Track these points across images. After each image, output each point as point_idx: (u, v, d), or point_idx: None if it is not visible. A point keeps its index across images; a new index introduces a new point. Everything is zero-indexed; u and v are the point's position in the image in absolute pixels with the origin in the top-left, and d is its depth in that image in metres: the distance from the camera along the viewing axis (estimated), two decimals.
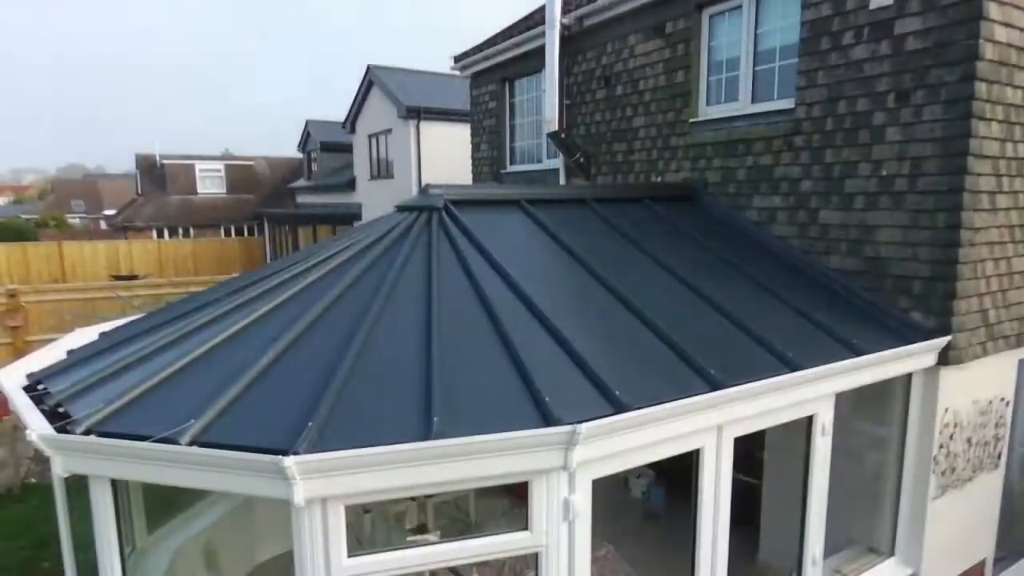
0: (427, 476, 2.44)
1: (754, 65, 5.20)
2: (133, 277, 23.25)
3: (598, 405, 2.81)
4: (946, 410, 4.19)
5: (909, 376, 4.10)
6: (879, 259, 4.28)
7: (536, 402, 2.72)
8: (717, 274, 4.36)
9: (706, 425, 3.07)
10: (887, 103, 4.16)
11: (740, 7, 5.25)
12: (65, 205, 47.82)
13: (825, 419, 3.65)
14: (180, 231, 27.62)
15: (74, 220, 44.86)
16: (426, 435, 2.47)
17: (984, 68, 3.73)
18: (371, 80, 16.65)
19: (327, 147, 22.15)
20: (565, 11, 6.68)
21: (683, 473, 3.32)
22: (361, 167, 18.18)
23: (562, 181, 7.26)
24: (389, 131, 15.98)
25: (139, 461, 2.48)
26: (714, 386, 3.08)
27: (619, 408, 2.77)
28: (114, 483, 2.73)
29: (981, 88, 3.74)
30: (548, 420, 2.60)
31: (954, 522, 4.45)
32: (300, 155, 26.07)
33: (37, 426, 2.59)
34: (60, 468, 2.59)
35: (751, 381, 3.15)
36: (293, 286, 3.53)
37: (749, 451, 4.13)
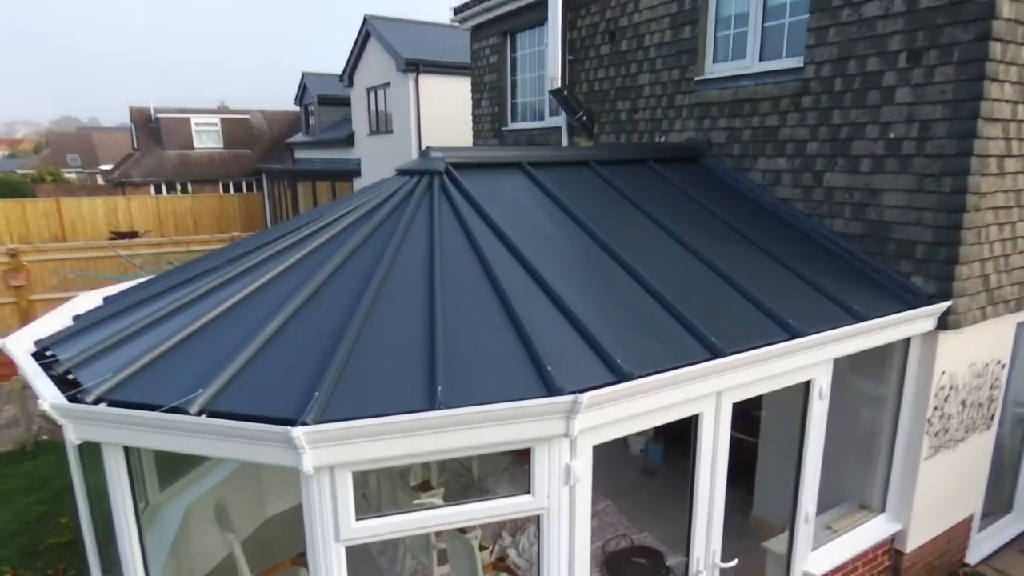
0: (432, 444, 2.50)
1: (763, 21, 5.05)
2: (133, 234, 23.19)
3: (599, 373, 2.85)
4: (942, 373, 4.25)
5: (907, 340, 4.14)
6: (883, 223, 4.26)
7: (538, 370, 2.75)
8: (719, 237, 4.35)
9: (706, 392, 3.12)
10: (898, 63, 4.06)
11: None
12: (60, 159, 47.24)
13: (823, 383, 3.71)
14: (178, 187, 27.39)
15: (70, 175, 44.39)
16: (430, 404, 2.52)
17: (1000, 27, 3.63)
18: (368, 31, 16.20)
19: (324, 101, 21.72)
20: None
21: (681, 430, 3.38)
22: (360, 122, 17.86)
23: (564, 140, 7.15)
24: (387, 85, 15.63)
25: (150, 430, 2.53)
26: (714, 353, 3.11)
27: (620, 376, 2.81)
28: (127, 447, 2.80)
29: (995, 48, 3.65)
30: (550, 389, 2.65)
31: (944, 481, 4.57)
32: (297, 108, 25.58)
33: (49, 395, 2.64)
34: (73, 436, 2.65)
35: (751, 348, 3.19)
36: (296, 252, 3.52)
37: (746, 410, 4.20)
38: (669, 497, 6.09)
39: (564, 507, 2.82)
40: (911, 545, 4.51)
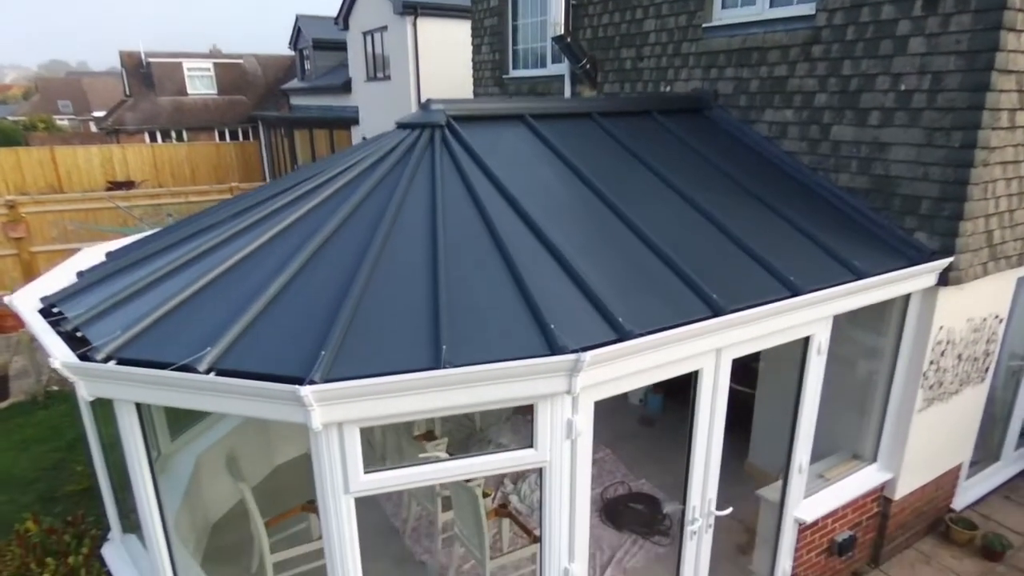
0: (437, 402, 2.55)
1: None
2: (130, 184, 22.97)
3: (601, 330, 2.88)
4: (940, 328, 4.29)
5: (907, 295, 4.16)
6: (889, 178, 4.22)
7: (541, 328, 2.79)
8: (722, 191, 4.31)
9: (706, 349, 3.17)
10: (914, 11, 3.93)
11: None
12: (52, 106, 46.31)
13: (822, 339, 3.75)
14: (173, 134, 26.95)
15: (62, 122, 43.63)
16: (435, 362, 2.56)
17: None
18: None
19: (320, 45, 21.11)
20: None
21: (680, 380, 3.41)
22: (356, 67, 17.40)
23: (567, 89, 6.99)
24: (384, 28, 15.16)
25: (161, 387, 2.58)
26: (715, 311, 3.14)
27: (622, 334, 2.85)
28: (138, 403, 2.87)
29: None
30: (553, 347, 2.68)
31: (936, 432, 4.69)
32: (292, 53, 24.88)
33: (60, 353, 2.68)
34: (85, 392, 2.71)
35: (752, 306, 3.21)
36: (298, 208, 3.51)
37: (744, 362, 4.26)
38: (667, 445, 6.25)
39: (566, 460, 2.91)
40: (900, 493, 4.66)
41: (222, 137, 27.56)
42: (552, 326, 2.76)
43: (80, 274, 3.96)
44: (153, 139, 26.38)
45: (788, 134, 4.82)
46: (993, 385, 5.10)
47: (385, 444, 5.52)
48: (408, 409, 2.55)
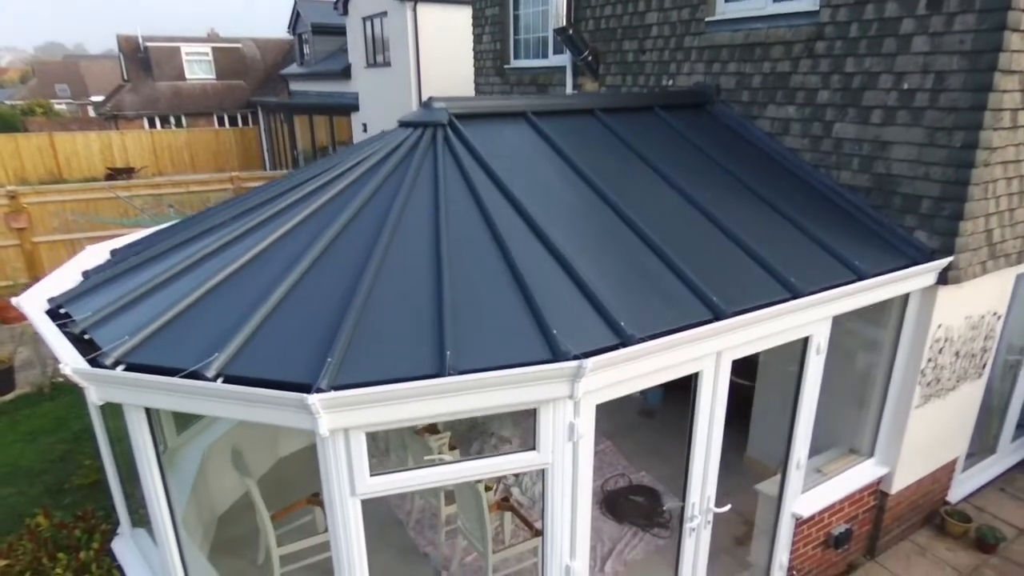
0: (442, 407, 2.60)
1: None
2: (130, 170, 22.93)
3: (603, 334, 2.92)
4: (939, 326, 4.33)
5: (906, 294, 4.19)
6: (890, 176, 4.23)
7: (543, 333, 2.82)
8: (724, 189, 4.33)
9: (706, 352, 3.21)
10: (918, 9, 3.92)
11: None
12: (49, 90, 46.00)
13: (821, 339, 3.79)
14: (171, 120, 26.84)
15: (60, 106, 43.36)
16: (440, 368, 2.60)
17: None
18: None
19: (319, 30, 20.92)
20: None
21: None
22: (356, 53, 17.27)
23: (568, 80, 6.96)
24: (384, 14, 15.02)
25: (170, 393, 2.62)
26: (716, 314, 3.17)
27: (623, 338, 2.88)
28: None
29: None
30: (555, 352, 2.72)
31: (933, 427, 4.74)
32: (290, 37, 24.67)
33: (70, 359, 2.72)
34: (95, 397, 2.75)
35: (752, 309, 3.24)
36: (302, 210, 3.52)
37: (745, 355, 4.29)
38: (667, 437, 6.32)
39: (567, 462, 2.96)
40: (896, 487, 4.73)
41: (221, 123, 27.44)
42: (555, 331, 2.80)
43: (86, 273, 4.00)
44: (152, 125, 26.26)
45: (790, 131, 4.81)
46: (990, 377, 5.15)
47: (388, 438, 5.59)
48: (413, 415, 2.60)
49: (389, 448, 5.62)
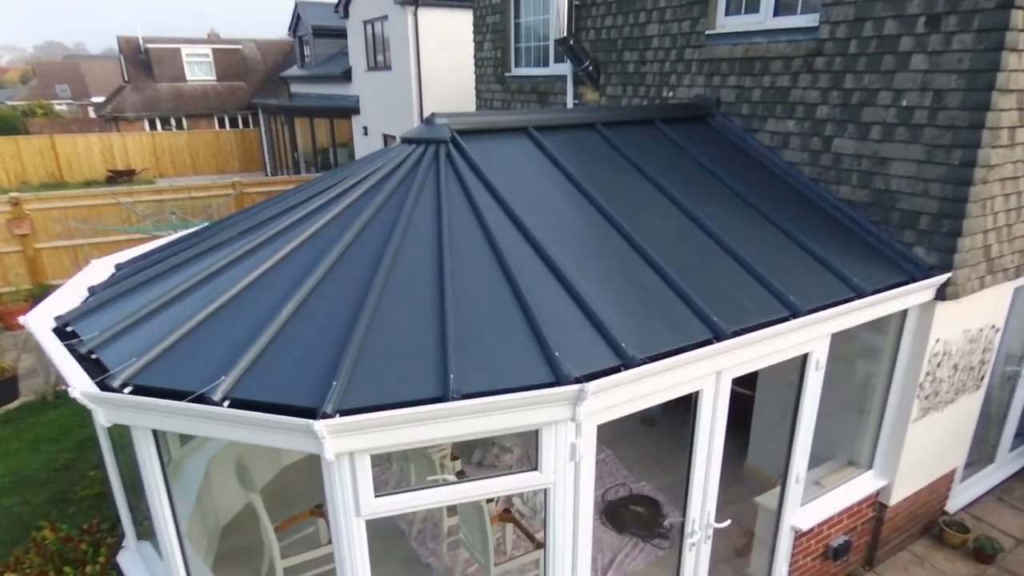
0: (446, 431, 2.64)
1: None
2: (131, 172, 22.96)
3: (604, 356, 2.95)
4: (937, 340, 4.36)
5: (904, 310, 4.22)
6: (889, 192, 4.26)
7: (546, 355, 2.85)
8: (724, 204, 4.36)
9: (707, 372, 3.25)
10: (916, 28, 3.95)
11: None
12: (49, 90, 45.99)
13: (820, 356, 3.83)
14: (172, 121, 26.87)
15: (61, 107, 43.38)
16: (443, 391, 2.64)
17: None
18: None
19: (320, 32, 20.93)
20: None
21: None
22: (357, 56, 17.29)
23: (569, 90, 7.00)
24: (385, 18, 15.03)
25: (178, 417, 2.66)
26: (716, 333, 3.21)
27: (625, 360, 2.92)
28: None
29: (1017, 17, 3.54)
30: (557, 375, 2.76)
31: (931, 440, 4.78)
32: (291, 38, 24.69)
33: (79, 382, 2.75)
34: (103, 419, 2.79)
35: (753, 329, 3.28)
36: (306, 228, 3.56)
37: None
38: (668, 446, 6.36)
39: (569, 481, 3.00)
40: (895, 499, 4.77)
41: (222, 124, 27.47)
42: (557, 353, 2.83)
43: (91, 289, 4.03)
44: (153, 127, 26.29)
45: (790, 144, 4.85)
46: (989, 385, 5.18)
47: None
48: (418, 438, 2.64)
49: (392, 458, 5.65)
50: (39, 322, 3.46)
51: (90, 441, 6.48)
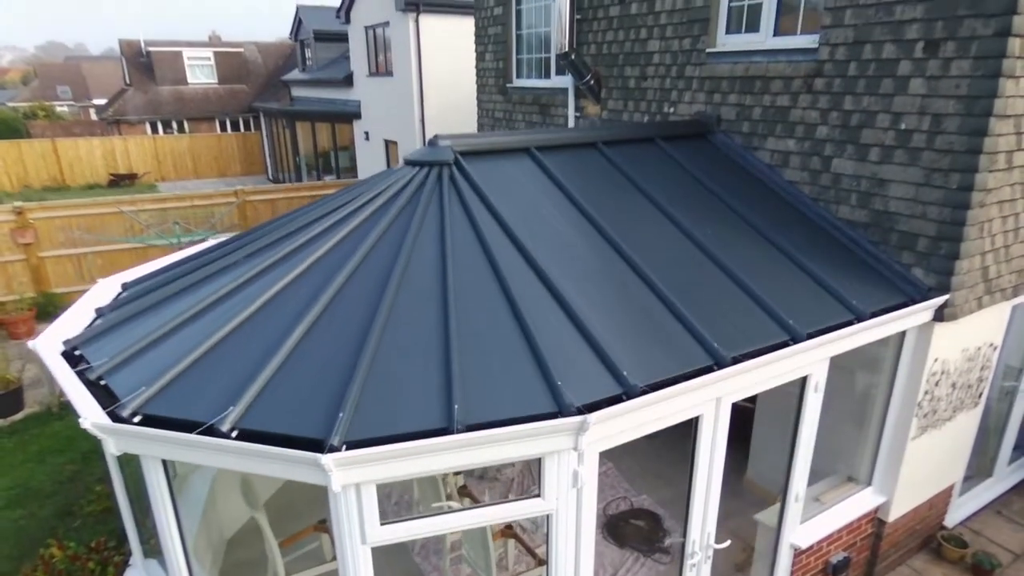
0: (450, 461, 2.68)
1: None
2: (132, 176, 23.02)
3: (606, 384, 3.00)
4: (935, 360, 4.40)
5: (903, 331, 4.26)
6: (887, 213, 4.30)
7: (548, 384, 2.90)
8: (724, 225, 4.40)
9: (707, 398, 3.29)
10: (915, 52, 3.99)
11: None
12: (50, 91, 46.06)
13: (819, 379, 3.87)
14: (174, 124, 26.92)
15: (62, 108, 43.45)
16: (448, 422, 2.68)
17: (1021, 23, 3.54)
18: None
19: (321, 37, 21.00)
20: None
21: None
22: (358, 61, 17.34)
23: (571, 103, 7.04)
24: (386, 24, 15.08)
25: (187, 448, 2.70)
26: (717, 360, 3.25)
27: (626, 389, 2.96)
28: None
29: (1015, 45, 3.58)
30: (560, 405, 2.80)
31: (930, 457, 4.82)
32: (292, 41, 24.73)
33: (90, 413, 2.80)
34: (113, 449, 2.83)
35: (753, 355, 3.32)
36: (311, 253, 3.59)
37: None
38: (668, 459, 6.40)
39: (572, 507, 3.04)
40: (894, 515, 4.81)
41: (223, 127, 27.52)
42: (559, 383, 2.88)
43: (99, 310, 4.08)
44: (154, 129, 26.34)
45: (790, 163, 4.89)
46: (987, 400, 5.22)
47: None
48: (423, 469, 2.68)
49: None
50: (48, 347, 3.50)
51: (95, 453, 6.52)
